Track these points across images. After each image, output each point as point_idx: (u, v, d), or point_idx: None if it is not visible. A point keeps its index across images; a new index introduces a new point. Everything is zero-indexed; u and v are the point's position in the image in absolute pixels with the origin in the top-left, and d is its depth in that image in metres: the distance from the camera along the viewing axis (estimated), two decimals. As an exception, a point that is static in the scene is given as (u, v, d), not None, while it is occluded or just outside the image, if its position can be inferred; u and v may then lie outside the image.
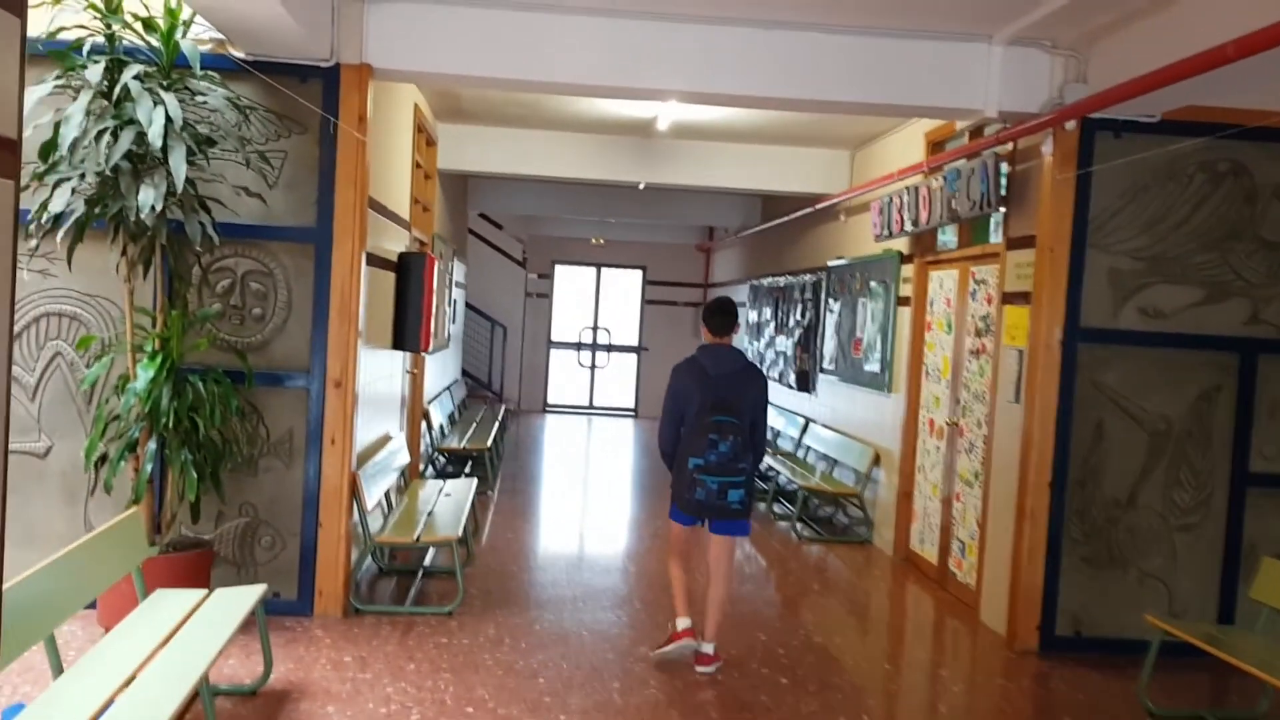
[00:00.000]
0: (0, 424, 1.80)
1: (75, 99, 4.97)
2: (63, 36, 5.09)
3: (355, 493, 6.01)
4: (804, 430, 10.70)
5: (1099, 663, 5.90)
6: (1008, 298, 6.45)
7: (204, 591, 4.73)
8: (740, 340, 13.84)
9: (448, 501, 7.35)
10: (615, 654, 5.63)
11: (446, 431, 11.31)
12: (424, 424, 9.98)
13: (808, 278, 10.91)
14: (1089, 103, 5.64)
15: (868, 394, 9.05)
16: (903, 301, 8.36)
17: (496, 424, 12.26)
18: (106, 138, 4.86)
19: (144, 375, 5.13)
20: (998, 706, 5.31)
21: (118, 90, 4.91)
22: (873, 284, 8.95)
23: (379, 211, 6.76)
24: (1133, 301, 6.03)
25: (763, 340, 12.75)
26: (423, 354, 8.84)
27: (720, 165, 10.52)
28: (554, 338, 18.66)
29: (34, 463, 5.78)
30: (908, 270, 8.29)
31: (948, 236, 7.91)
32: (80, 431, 5.70)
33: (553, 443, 14.79)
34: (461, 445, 10.73)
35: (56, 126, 4.87)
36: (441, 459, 11.23)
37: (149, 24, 5.19)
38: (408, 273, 7.56)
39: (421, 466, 9.89)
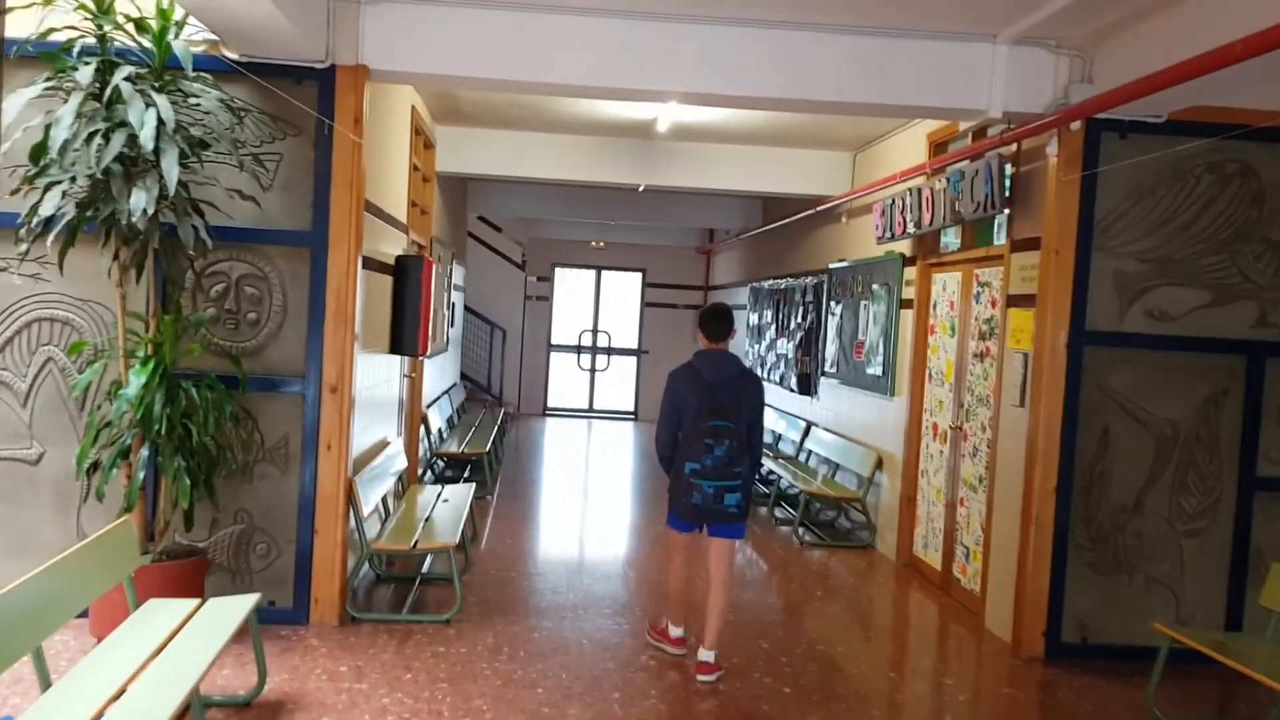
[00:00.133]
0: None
1: (66, 101, 4.89)
2: (54, 38, 5.01)
3: (351, 499, 5.93)
4: (805, 434, 10.62)
5: (1106, 670, 5.83)
6: (1012, 300, 6.37)
7: (197, 601, 4.65)
8: (741, 343, 13.80)
9: (446, 507, 7.27)
10: (615, 664, 5.55)
11: (445, 435, 11.23)
12: (422, 428, 9.90)
13: (809, 280, 10.83)
14: (1094, 103, 5.57)
15: (870, 397, 8.98)
16: (905, 304, 8.28)
17: (496, 428, 12.19)
18: (98, 140, 4.78)
19: (136, 381, 5.05)
20: (1004, 716, 5.23)
21: (109, 92, 4.84)
22: (875, 286, 8.87)
23: (375, 215, 6.68)
24: (1139, 304, 5.95)
25: (764, 343, 12.67)
26: (421, 358, 8.76)
27: (720, 167, 10.44)
28: (554, 341, 18.58)
29: (26, 470, 5.70)
30: (910, 273, 8.22)
31: (950, 238, 7.83)
32: (73, 438, 5.62)
33: (552, 446, 14.71)
34: (460, 449, 10.65)
35: (47, 129, 4.79)
36: (440, 463, 11.15)
37: (141, 25, 5.11)
38: (405, 276, 7.49)
39: (420, 471, 9.81)
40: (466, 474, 10.75)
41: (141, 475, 5.22)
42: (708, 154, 10.38)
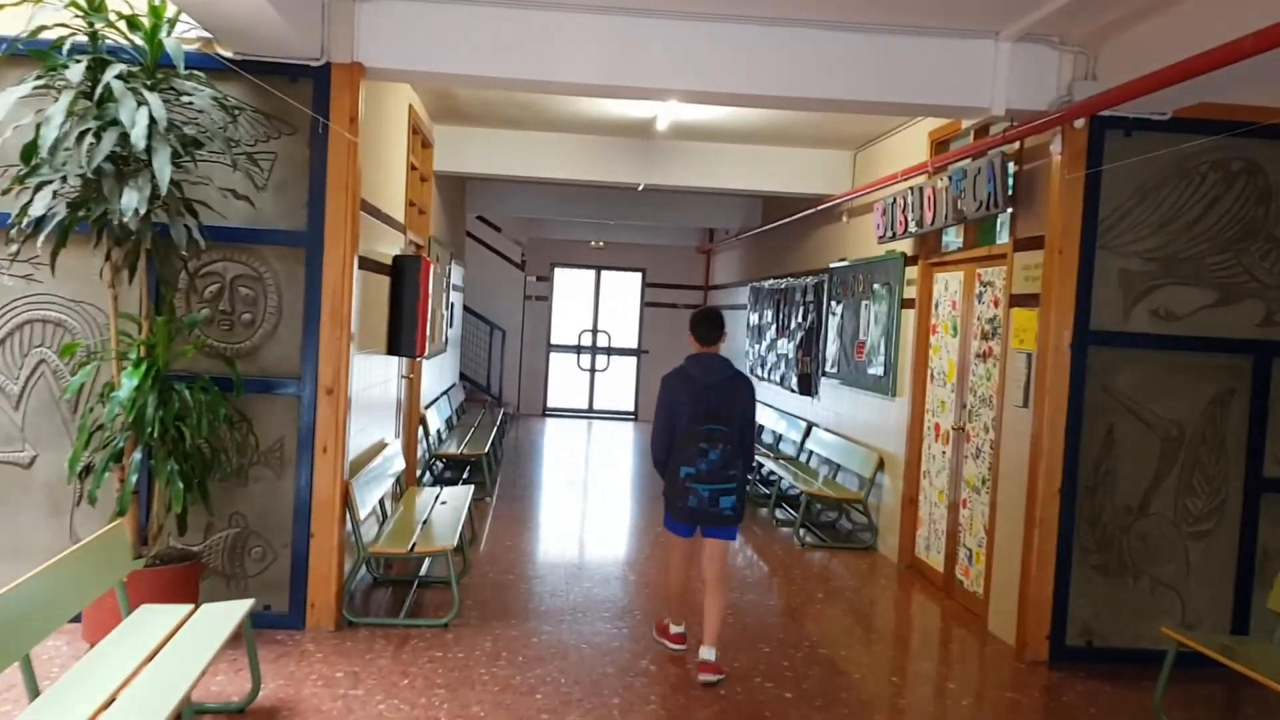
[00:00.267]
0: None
1: (57, 100, 4.82)
2: (44, 36, 4.94)
3: (348, 502, 5.86)
4: (806, 434, 10.56)
5: (1111, 674, 5.76)
6: (1015, 300, 6.30)
7: (189, 607, 4.58)
8: (741, 343, 13.74)
9: (444, 509, 7.21)
10: (615, 668, 5.48)
11: (444, 436, 11.17)
12: (421, 429, 9.83)
13: (809, 280, 10.77)
14: (1098, 100, 5.51)
15: (871, 398, 8.91)
16: (907, 304, 8.22)
17: (495, 428, 12.12)
18: (89, 139, 4.70)
19: (128, 383, 4.98)
20: (1008, 721, 5.17)
21: (100, 90, 4.77)
22: (876, 286, 8.80)
23: (372, 214, 6.62)
24: (1144, 303, 5.89)
25: (764, 343, 12.60)
26: (419, 359, 8.69)
27: (720, 166, 10.37)
28: (553, 341, 18.52)
29: (18, 473, 5.64)
30: (912, 272, 8.15)
31: (952, 237, 7.77)
32: (66, 441, 5.55)
33: (552, 447, 14.64)
34: (459, 450, 10.58)
35: (38, 128, 4.73)
36: (439, 465, 11.08)
37: (133, 22, 5.04)
38: (403, 276, 7.42)
39: (419, 472, 9.75)
40: (465, 475, 10.69)
41: (134, 479, 5.16)
42: (707, 153, 10.31)
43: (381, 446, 7.31)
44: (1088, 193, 5.82)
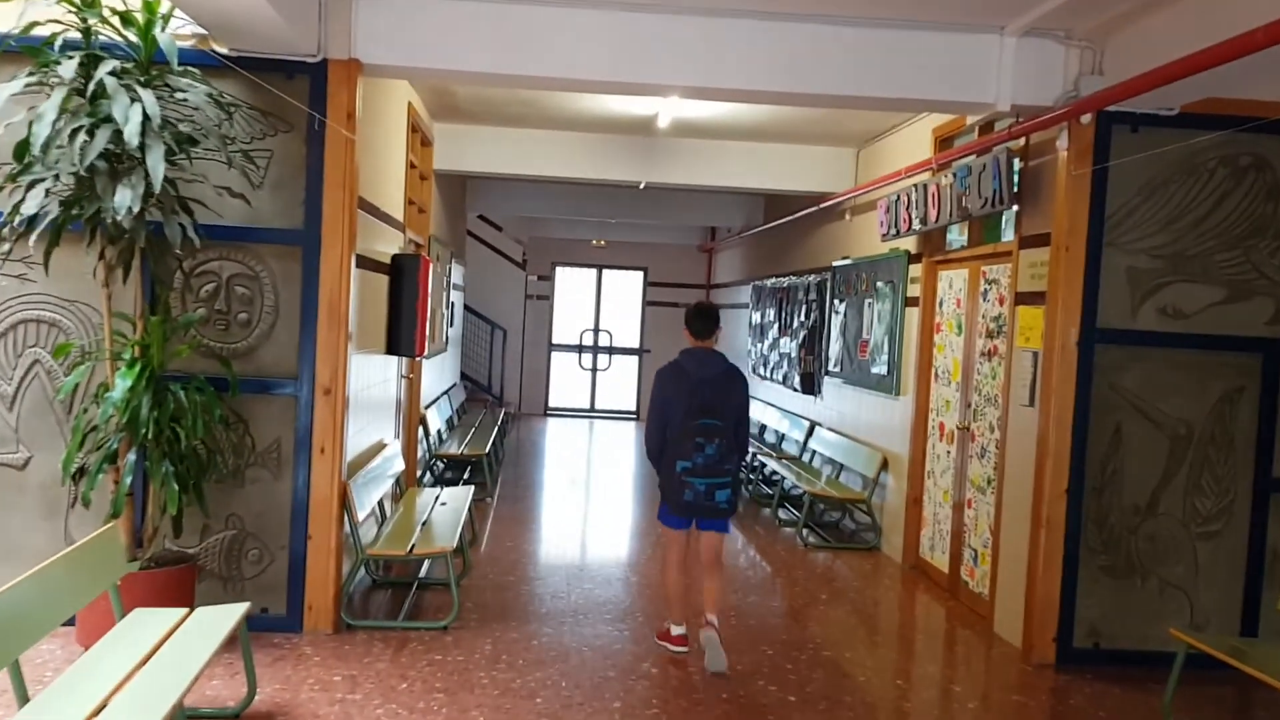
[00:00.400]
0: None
1: (50, 97, 4.75)
2: (37, 32, 4.88)
3: (346, 504, 5.80)
4: (809, 434, 10.48)
5: (1118, 676, 5.69)
6: (1021, 298, 6.23)
7: (184, 610, 4.52)
8: (743, 342, 13.67)
9: (444, 510, 7.14)
10: (617, 671, 5.41)
11: (445, 437, 11.10)
12: (421, 430, 9.77)
13: (812, 278, 10.70)
14: (1105, 95, 5.44)
15: (875, 397, 8.84)
16: (911, 302, 8.14)
17: (496, 428, 12.06)
18: (81, 136, 4.64)
19: (122, 384, 4.92)
20: (1015, 724, 5.10)
21: (93, 87, 4.70)
22: (879, 284, 8.73)
23: (370, 213, 6.55)
24: (1151, 301, 5.81)
25: (766, 342, 12.53)
26: (418, 358, 8.63)
27: (722, 164, 10.29)
28: (555, 340, 18.46)
29: (12, 475, 5.58)
30: (916, 270, 8.08)
31: (956, 235, 7.69)
32: (60, 442, 5.48)
33: (554, 447, 14.57)
34: (460, 451, 10.52)
35: (30, 125, 4.65)
36: (440, 465, 11.02)
37: (126, 18, 4.96)
38: (401, 275, 7.36)
39: (419, 473, 9.68)
40: (466, 476, 10.62)
41: (129, 480, 5.09)
42: (709, 151, 10.24)
43: (380, 447, 7.25)
44: (1094, 189, 5.74)
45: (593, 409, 18.55)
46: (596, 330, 18.61)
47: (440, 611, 6.16)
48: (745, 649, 5.86)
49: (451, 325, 12.38)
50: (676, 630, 5.77)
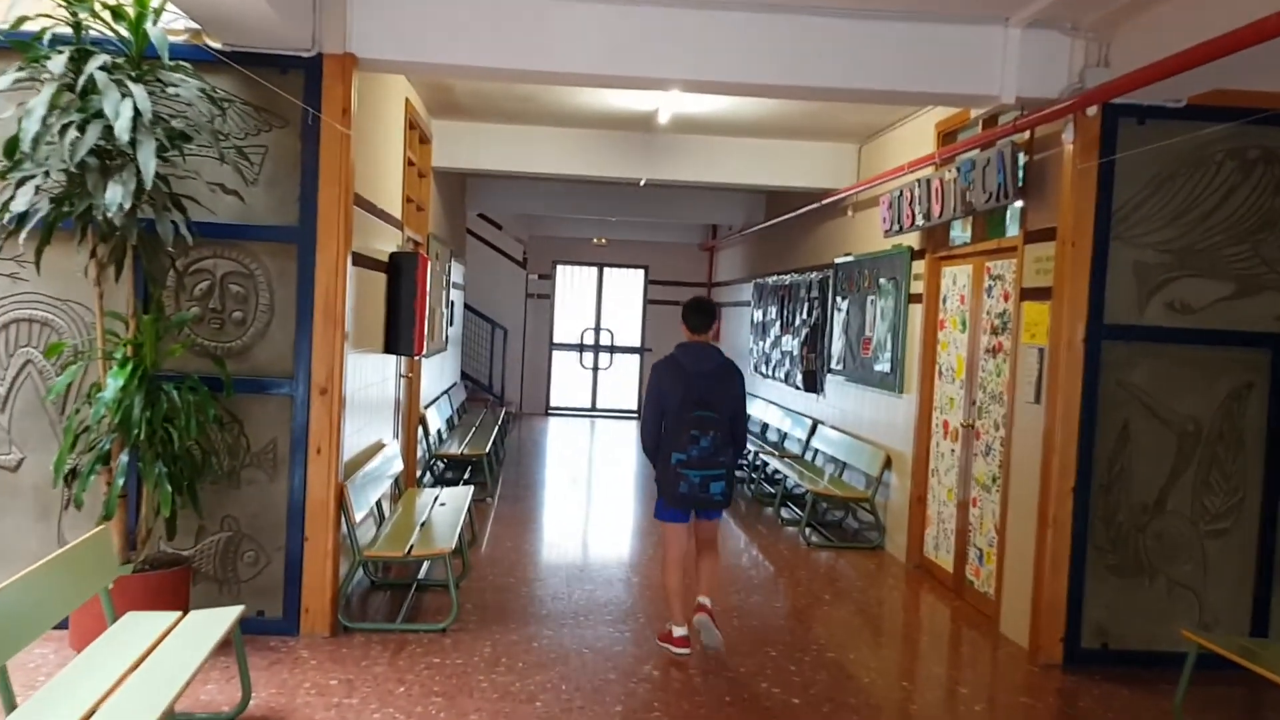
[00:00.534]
0: None
1: (40, 92, 4.68)
2: (27, 27, 4.81)
3: (343, 505, 5.72)
4: (812, 432, 10.40)
5: (1127, 677, 5.60)
6: (1026, 293, 6.15)
7: (177, 614, 4.44)
8: (745, 340, 13.60)
9: (443, 511, 7.06)
10: (618, 674, 5.33)
11: (445, 436, 11.03)
12: (421, 429, 9.69)
13: (814, 275, 10.61)
14: (1111, 87, 5.35)
15: (878, 395, 8.75)
16: (914, 299, 8.06)
17: (497, 428, 11.98)
18: (72, 132, 4.56)
19: (113, 384, 4.84)
20: (1023, 727, 5.02)
21: (83, 82, 4.63)
22: (882, 281, 8.65)
23: (368, 210, 6.48)
24: (1159, 296, 5.73)
25: (768, 340, 12.45)
26: (417, 358, 8.55)
27: (723, 160, 10.21)
28: (556, 339, 18.38)
29: (5, 476, 5.51)
30: (919, 266, 7.99)
31: (960, 231, 7.61)
32: (53, 444, 5.40)
33: (555, 446, 14.50)
34: (460, 451, 10.44)
35: (20, 122, 4.58)
36: (440, 465, 10.94)
37: (117, 12, 4.89)
38: (399, 273, 7.28)
39: (419, 473, 9.61)
40: (467, 476, 10.55)
41: (121, 482, 5.02)
42: (710, 147, 10.15)
43: (379, 447, 7.17)
44: (1101, 183, 5.66)
45: (594, 408, 18.48)
46: (598, 329, 18.54)
47: (439, 613, 6.08)
48: (748, 650, 5.79)
49: (451, 324, 12.31)
50: (678, 632, 5.69)
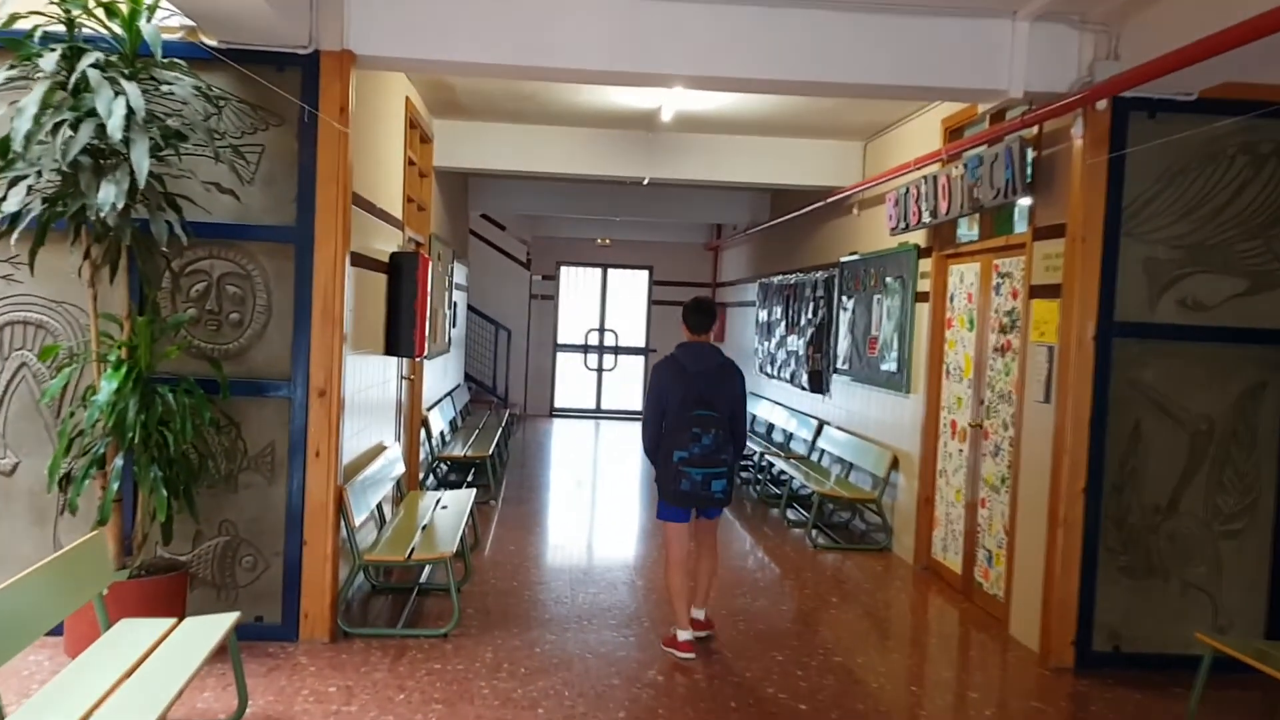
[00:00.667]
0: None
1: (32, 91, 4.60)
2: (20, 26, 4.73)
3: (342, 508, 5.64)
4: (818, 433, 10.30)
5: (1140, 681, 5.51)
6: (1035, 291, 6.05)
7: (171, 620, 4.37)
8: (750, 340, 13.51)
9: (445, 514, 6.98)
10: (621, 679, 5.24)
11: (448, 438, 10.95)
12: (423, 431, 9.61)
13: (819, 275, 10.52)
14: (1121, 80, 5.27)
15: (885, 395, 8.66)
16: (921, 297, 7.97)
17: (500, 430, 11.89)
18: (64, 131, 4.48)
19: (107, 386, 4.76)
20: (1034, 732, 4.93)
21: (75, 79, 4.55)
22: (888, 279, 8.56)
23: (367, 210, 6.40)
24: (1171, 293, 5.64)
25: (773, 340, 12.36)
26: (419, 359, 8.47)
27: (727, 159, 10.12)
28: (560, 340, 18.29)
29: (0, 481, 5.43)
30: (926, 264, 7.90)
31: (966, 229, 7.52)
32: (49, 448, 5.32)
33: (560, 448, 14.41)
34: (464, 453, 10.36)
35: (11, 121, 4.50)
36: (443, 467, 10.86)
37: (110, 9, 4.81)
38: (400, 274, 7.20)
39: (422, 476, 9.53)
40: (470, 478, 10.46)
41: (116, 486, 4.94)
42: (713, 145, 10.06)
43: (380, 450, 7.09)
44: (1111, 178, 5.57)
45: (598, 409, 18.39)
46: (602, 330, 18.45)
47: (441, 618, 6.00)
48: (754, 655, 5.70)
49: (454, 326, 12.23)
50: (683, 636, 5.64)
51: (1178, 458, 5.68)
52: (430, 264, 7.71)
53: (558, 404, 18.23)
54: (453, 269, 11.47)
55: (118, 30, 4.86)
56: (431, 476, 10.17)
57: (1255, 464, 5.69)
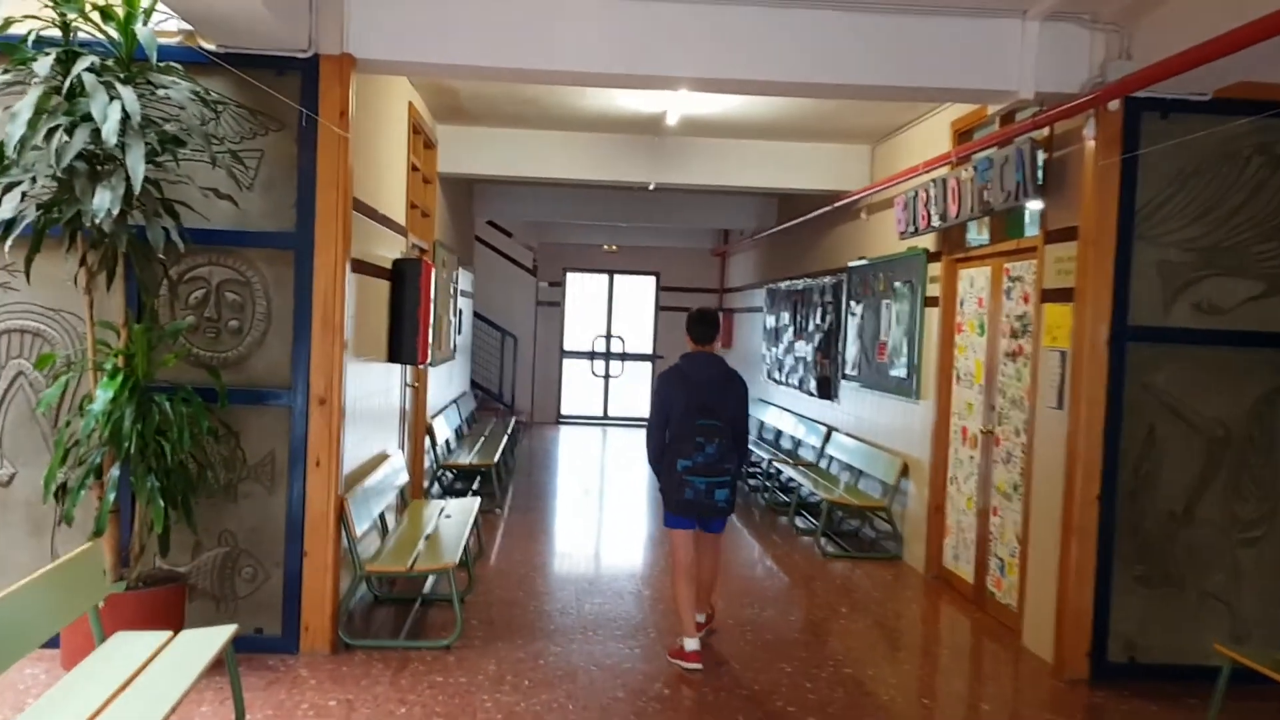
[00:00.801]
0: None
1: (26, 95, 4.53)
2: (15, 30, 4.67)
3: (343, 518, 5.55)
4: (826, 439, 10.20)
5: (1156, 693, 5.39)
6: (1047, 295, 5.95)
7: (167, 634, 4.28)
8: (757, 346, 13.41)
9: (448, 523, 6.89)
10: (626, 692, 5.14)
11: (453, 446, 10.87)
12: (428, 439, 9.53)
13: (827, 280, 10.43)
14: (1134, 80, 5.16)
15: (894, 401, 8.56)
16: (930, 302, 7.87)
17: (506, 437, 11.80)
18: (59, 136, 4.42)
19: (102, 395, 4.69)
20: (1049, 746, 4.82)
21: (69, 83, 4.48)
22: (897, 284, 8.46)
23: (369, 216, 6.33)
24: (1185, 296, 5.53)
25: (781, 346, 12.26)
26: (422, 366, 8.39)
27: (733, 164, 10.03)
28: (566, 347, 18.22)
29: (-3, 491, 5.37)
30: (935, 269, 7.80)
31: (975, 233, 7.41)
32: (46, 457, 5.22)
33: (566, 455, 14.33)
34: (469, 461, 10.27)
35: (5, 126, 4.44)
36: (449, 475, 10.78)
37: (106, 13, 4.74)
38: (403, 281, 7.12)
39: (426, 484, 9.45)
40: (476, 486, 10.38)
41: (112, 497, 4.86)
42: (720, 150, 9.97)
43: (383, 458, 7.00)
44: (1123, 179, 5.47)
45: (605, 416, 18.30)
46: (609, 336, 18.37)
47: (444, 629, 5.91)
48: (762, 666, 5.60)
49: (460, 332, 12.15)
50: (690, 646, 5.55)
51: (1194, 464, 5.57)
52: (434, 270, 7.64)
53: (564, 411, 18.15)
54: (458, 275, 11.39)
55: (113, 34, 4.79)
56: (436, 485, 10.09)
57: (1273, 470, 5.57)
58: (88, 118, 4.43)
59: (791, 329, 11.77)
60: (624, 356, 18.39)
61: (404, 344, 7.14)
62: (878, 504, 8.53)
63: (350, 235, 5.51)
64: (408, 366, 8.09)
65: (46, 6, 4.68)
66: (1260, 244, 5.51)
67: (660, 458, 5.72)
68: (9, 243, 4.54)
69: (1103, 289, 5.49)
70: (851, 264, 9.72)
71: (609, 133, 9.78)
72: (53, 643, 4.99)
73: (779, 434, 12.34)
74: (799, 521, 9.59)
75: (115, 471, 4.86)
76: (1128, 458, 5.55)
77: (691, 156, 10.01)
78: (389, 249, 7.09)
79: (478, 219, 14.73)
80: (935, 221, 7.32)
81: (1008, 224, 6.89)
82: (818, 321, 10.64)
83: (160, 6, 4.82)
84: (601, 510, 10.61)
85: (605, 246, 17.78)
